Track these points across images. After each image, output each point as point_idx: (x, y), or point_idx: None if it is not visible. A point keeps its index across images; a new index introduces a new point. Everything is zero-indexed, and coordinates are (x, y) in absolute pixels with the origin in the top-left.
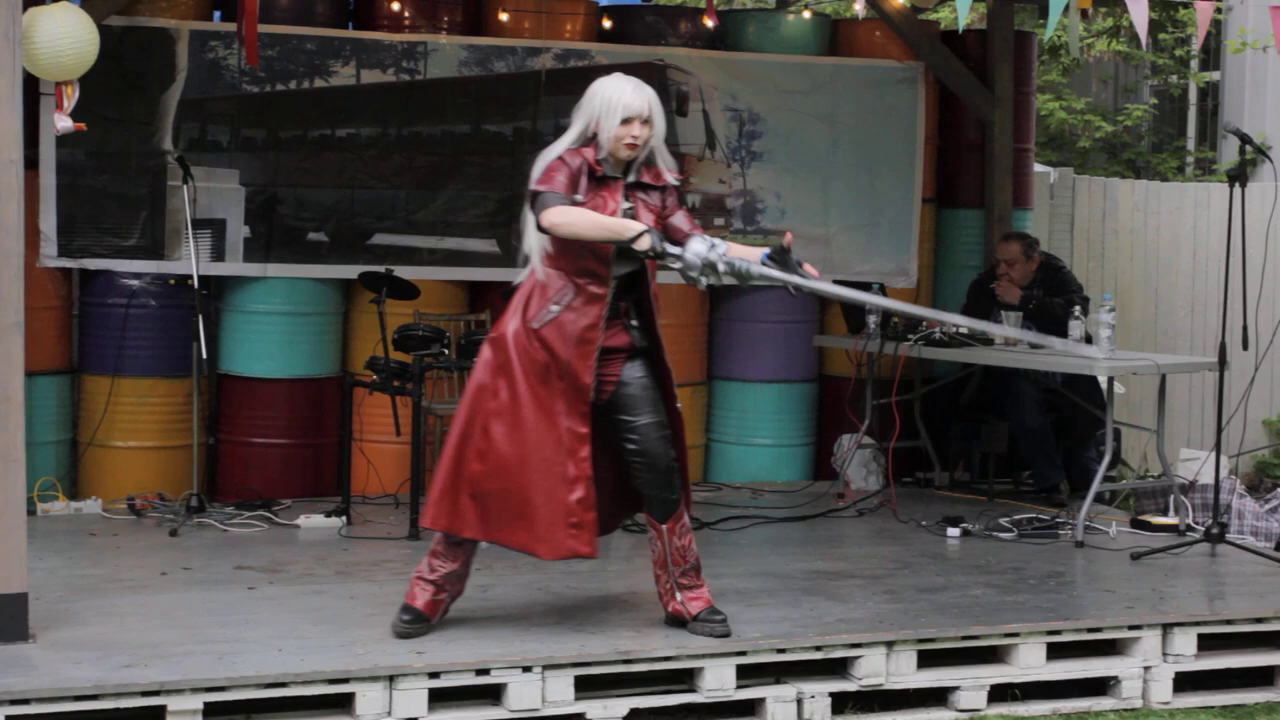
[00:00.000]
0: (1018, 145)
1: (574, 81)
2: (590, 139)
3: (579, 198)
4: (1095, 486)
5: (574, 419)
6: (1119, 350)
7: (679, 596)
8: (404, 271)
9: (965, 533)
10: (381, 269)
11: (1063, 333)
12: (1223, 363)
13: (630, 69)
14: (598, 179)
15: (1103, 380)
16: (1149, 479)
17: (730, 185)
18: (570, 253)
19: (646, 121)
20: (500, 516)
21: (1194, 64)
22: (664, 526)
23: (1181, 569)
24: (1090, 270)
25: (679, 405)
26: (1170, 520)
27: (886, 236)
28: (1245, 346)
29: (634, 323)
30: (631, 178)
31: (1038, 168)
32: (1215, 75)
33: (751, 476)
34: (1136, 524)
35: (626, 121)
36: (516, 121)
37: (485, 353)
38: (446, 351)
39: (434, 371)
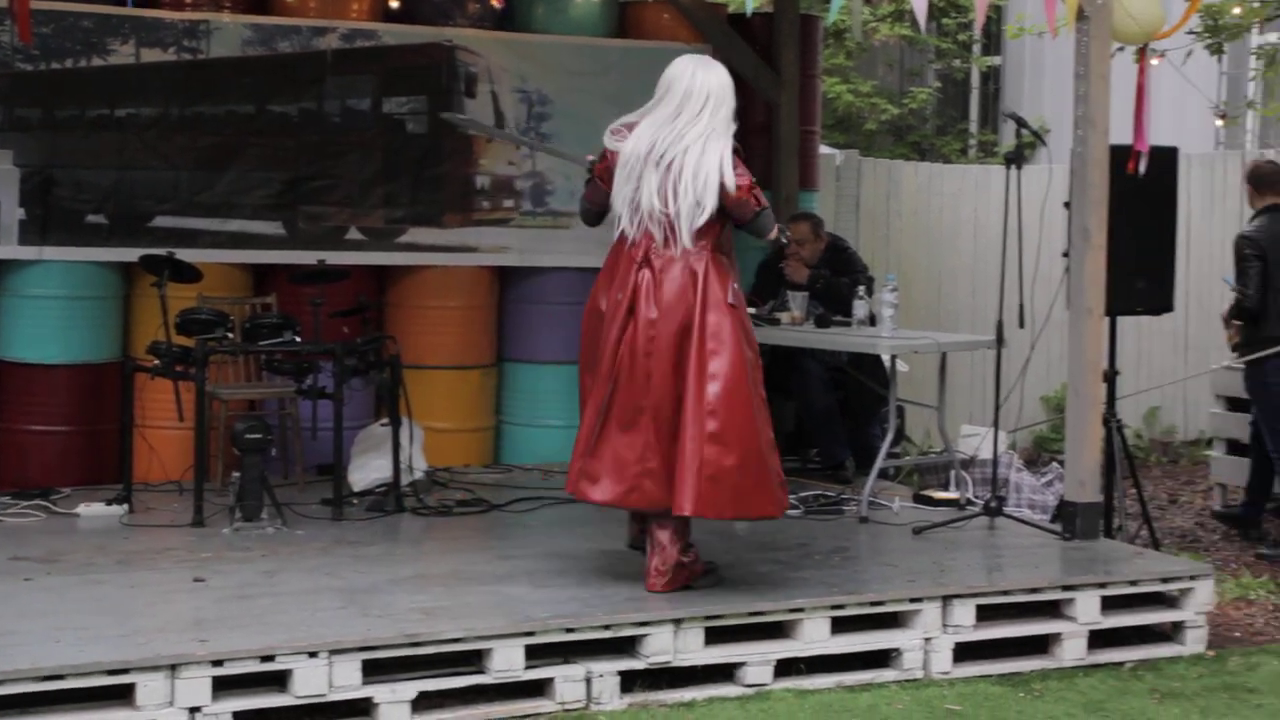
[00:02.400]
0: (804, 127)
1: (361, 62)
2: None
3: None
4: (879, 463)
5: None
6: (902, 329)
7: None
8: (186, 254)
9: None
10: (163, 252)
11: (848, 312)
12: (1000, 340)
13: (418, 50)
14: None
15: (886, 359)
16: (931, 455)
17: (519, 167)
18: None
19: None
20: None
21: (976, 49)
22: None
23: (961, 542)
24: (875, 251)
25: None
26: (951, 495)
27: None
28: (1021, 324)
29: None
30: None
31: (824, 150)
32: (997, 60)
33: (542, 458)
34: (919, 499)
35: None
36: (302, 102)
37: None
38: (231, 335)
39: (218, 356)
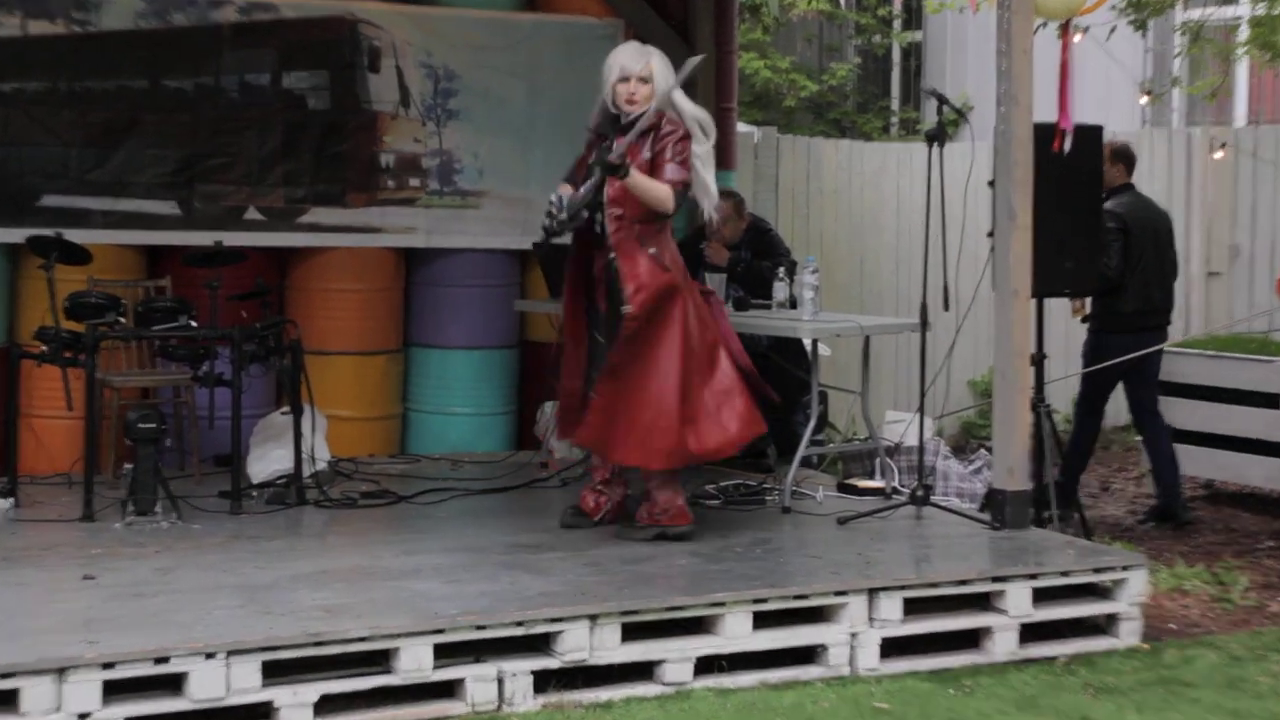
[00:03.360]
0: (720, 104)
1: (259, 36)
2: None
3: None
4: (801, 451)
5: None
6: (824, 312)
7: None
8: (76, 235)
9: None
10: (51, 232)
11: (768, 295)
12: (924, 323)
13: (320, 23)
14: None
15: (807, 343)
16: (855, 442)
17: (426, 145)
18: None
19: (644, 80)
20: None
21: (896, 24)
22: None
23: (888, 533)
24: (795, 230)
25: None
26: (877, 484)
27: None
28: (946, 307)
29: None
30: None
31: (741, 127)
32: (918, 35)
33: (451, 447)
34: (843, 488)
35: (624, 80)
36: (198, 77)
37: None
38: (123, 320)
39: (109, 342)
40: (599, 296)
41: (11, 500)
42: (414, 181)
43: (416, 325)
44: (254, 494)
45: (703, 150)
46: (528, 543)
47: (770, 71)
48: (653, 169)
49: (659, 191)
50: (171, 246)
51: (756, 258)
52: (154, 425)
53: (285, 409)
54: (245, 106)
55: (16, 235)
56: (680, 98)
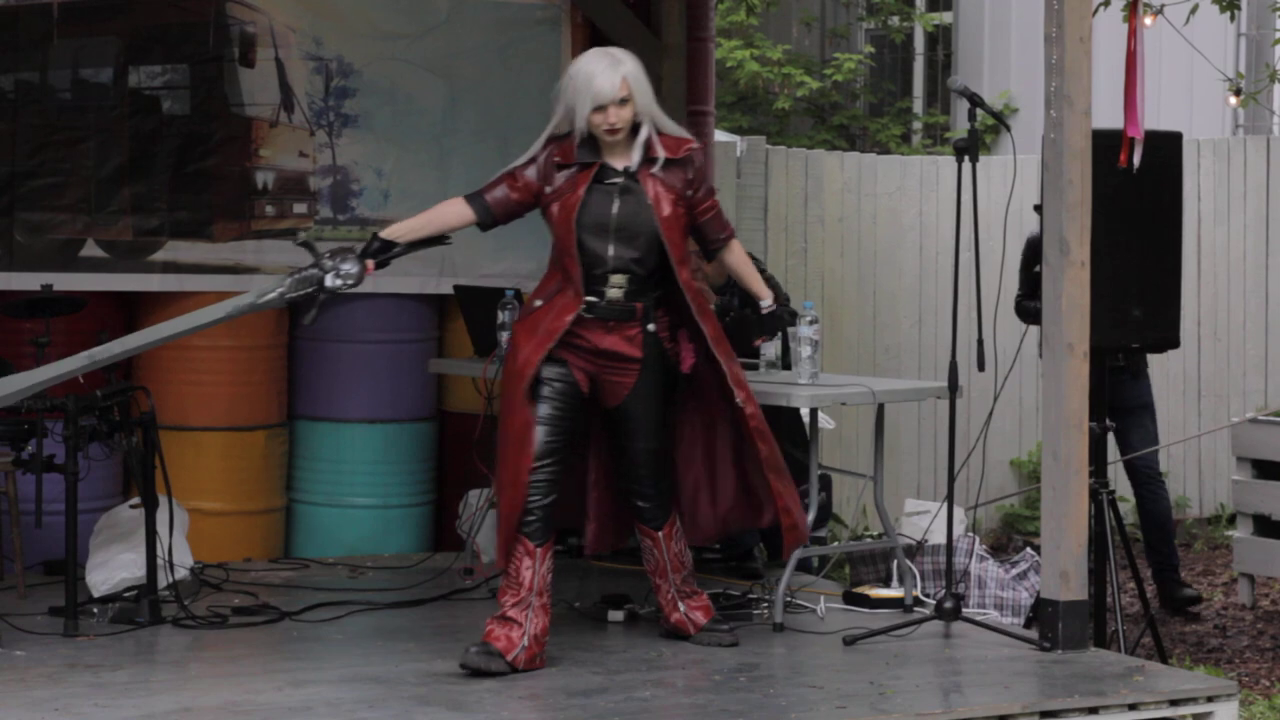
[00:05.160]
0: (693, 107)
1: (100, 18)
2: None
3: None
4: (797, 552)
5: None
6: (826, 374)
7: (682, 607)
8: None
9: (631, 616)
10: None
11: (754, 353)
12: (954, 388)
13: (176, 5)
14: (567, 167)
15: (805, 413)
16: (866, 539)
17: (315, 159)
18: (554, 249)
19: (624, 102)
20: None
21: (920, 3)
22: (659, 533)
23: (909, 655)
24: (790, 269)
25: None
26: (894, 593)
27: (524, 227)
28: (981, 367)
29: (651, 327)
30: (637, 156)
31: (720, 136)
32: (947, 17)
33: (349, 549)
34: (852, 598)
35: (599, 109)
36: (19, 72)
37: None
38: None
39: None
40: (612, 377)
41: None
42: (299, 207)
43: (304, 393)
44: (95, 611)
45: None
46: (448, 671)
47: (757, 64)
48: (697, 210)
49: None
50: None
51: (745, 305)
52: None
53: (135, 501)
54: (81, 110)
55: None
56: (659, 113)
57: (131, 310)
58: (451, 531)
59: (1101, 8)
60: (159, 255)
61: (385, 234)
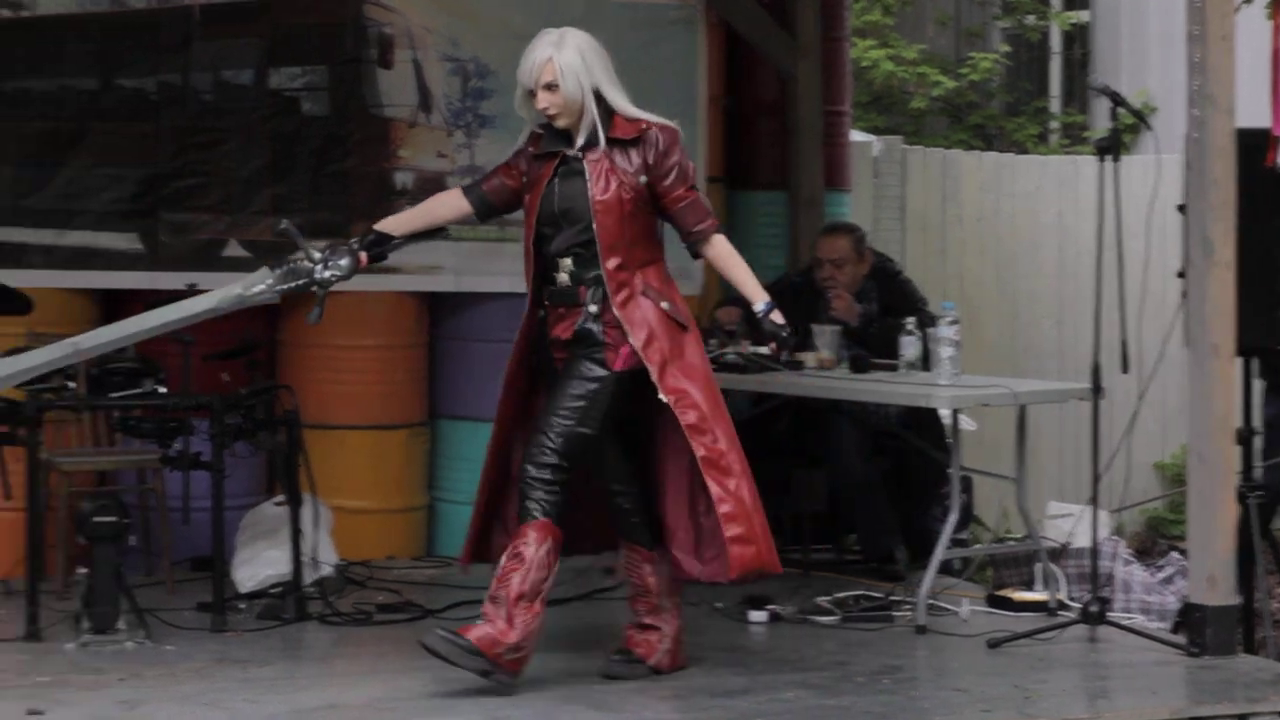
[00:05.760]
0: (829, 108)
1: (240, 21)
2: None
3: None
4: (940, 554)
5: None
6: (966, 375)
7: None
8: (11, 277)
9: (774, 617)
10: None
11: (894, 353)
12: (1097, 389)
13: (314, 6)
14: (539, 156)
15: (945, 415)
16: (1009, 542)
17: (453, 160)
18: None
19: (551, 87)
20: None
21: (1056, 1)
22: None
23: (1053, 659)
24: (928, 269)
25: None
26: (1037, 596)
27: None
28: (1125, 368)
29: (592, 308)
30: (581, 139)
31: (856, 136)
32: (1084, 16)
33: None
34: (995, 601)
35: (530, 94)
36: (162, 75)
37: None
38: (72, 385)
39: (56, 413)
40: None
41: None
42: None
43: (446, 392)
44: (242, 607)
45: None
46: (590, 670)
47: (893, 64)
48: (661, 198)
49: (738, 256)
50: (132, 291)
51: (887, 311)
52: (114, 519)
53: (279, 499)
54: (222, 113)
55: None
56: (621, 100)
57: (272, 310)
58: None
59: (1244, 5)
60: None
61: (380, 226)
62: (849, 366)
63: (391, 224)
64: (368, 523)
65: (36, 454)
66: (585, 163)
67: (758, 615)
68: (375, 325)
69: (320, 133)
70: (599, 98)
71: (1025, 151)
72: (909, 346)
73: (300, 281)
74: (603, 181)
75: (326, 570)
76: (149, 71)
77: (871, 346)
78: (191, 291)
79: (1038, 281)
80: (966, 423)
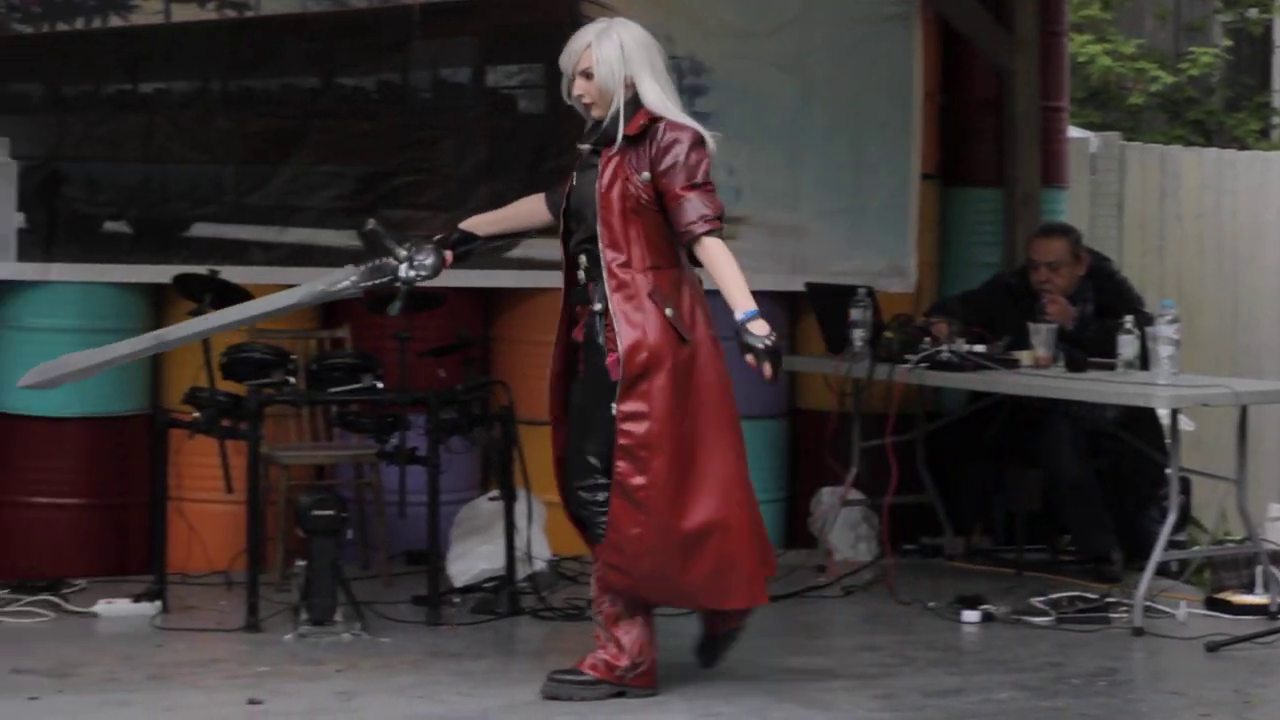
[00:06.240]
0: (1047, 103)
1: (458, 19)
2: None
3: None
4: (1157, 555)
5: None
6: (1185, 374)
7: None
8: (233, 273)
9: (987, 617)
10: (204, 270)
11: (1111, 352)
12: None
13: (532, 4)
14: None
15: (1163, 414)
16: (1228, 544)
17: None
18: None
19: (585, 74)
20: None
21: None
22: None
23: (1273, 663)
24: (1146, 267)
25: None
26: (1257, 599)
27: (876, 225)
28: None
29: (597, 307)
30: (606, 135)
31: (1074, 132)
32: None
33: None
34: (1213, 604)
35: (571, 80)
36: (382, 74)
37: None
38: (292, 381)
39: (276, 408)
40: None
41: (159, 604)
42: None
43: None
44: (456, 601)
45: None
46: (803, 668)
47: (1111, 59)
48: (662, 194)
49: (731, 263)
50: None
51: (1102, 312)
52: (332, 513)
53: (494, 494)
54: (440, 110)
55: (161, 273)
56: (653, 94)
57: (488, 305)
58: (803, 528)
59: None
60: (515, 253)
61: (465, 225)
62: (1065, 366)
63: (477, 223)
64: None
65: (257, 449)
66: (601, 158)
67: (971, 615)
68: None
69: (537, 130)
70: (634, 93)
71: (1246, 147)
72: (1127, 345)
73: (384, 279)
74: (608, 176)
75: (540, 565)
76: (369, 71)
77: (1088, 348)
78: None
79: (1259, 279)
80: (1185, 423)
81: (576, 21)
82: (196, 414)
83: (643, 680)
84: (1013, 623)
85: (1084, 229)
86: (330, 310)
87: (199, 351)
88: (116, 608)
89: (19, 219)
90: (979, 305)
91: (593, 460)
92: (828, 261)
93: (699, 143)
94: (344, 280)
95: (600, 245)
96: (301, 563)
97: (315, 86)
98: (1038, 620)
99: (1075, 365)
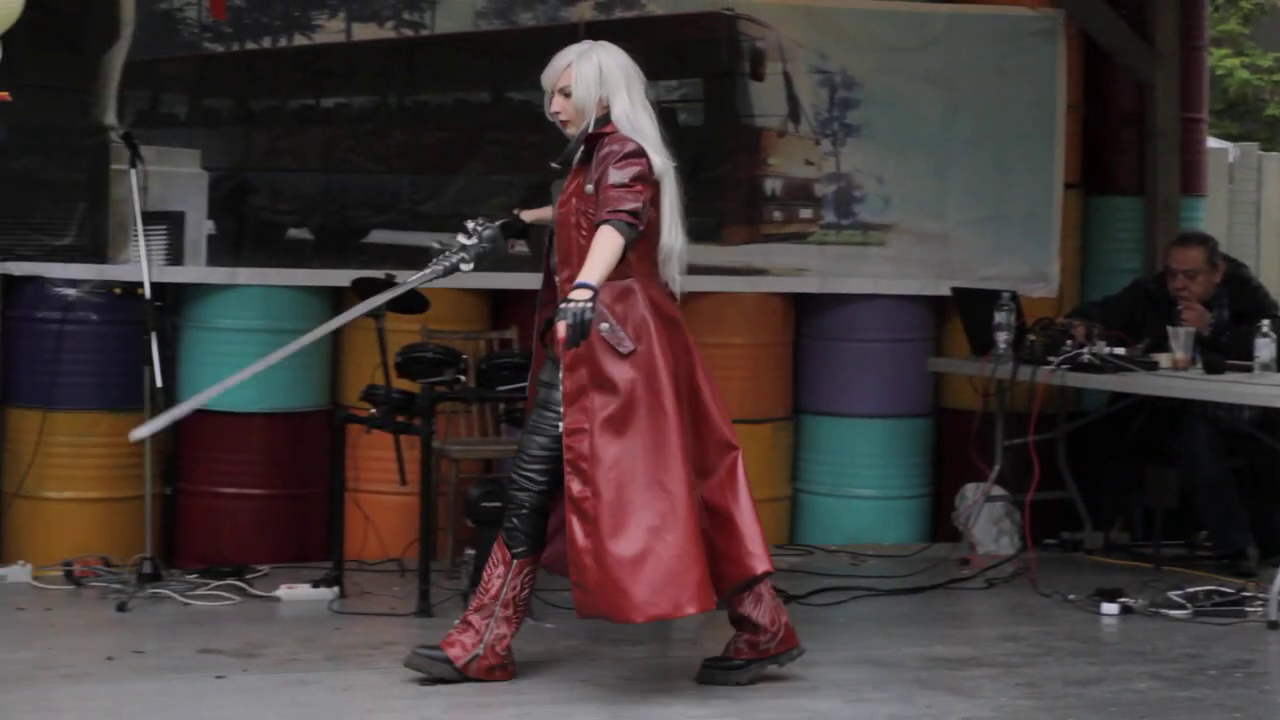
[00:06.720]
0: (1186, 114)
1: (621, 36)
2: None
3: None
4: None
5: None
6: None
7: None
8: (408, 278)
9: (1125, 610)
10: (381, 274)
11: (1248, 355)
12: None
13: (692, 21)
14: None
15: None
16: None
17: (819, 168)
18: None
19: (564, 92)
20: None
21: None
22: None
23: None
24: None
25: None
26: None
27: (1019, 232)
28: None
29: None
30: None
31: (1212, 143)
32: None
33: (851, 538)
34: None
35: (551, 98)
36: None
37: None
38: (463, 379)
39: (447, 404)
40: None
41: (336, 590)
42: (805, 212)
43: (809, 388)
44: None
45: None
46: (947, 656)
47: (1248, 72)
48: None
49: (608, 250)
50: (519, 291)
51: (1237, 318)
52: (499, 504)
53: None
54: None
55: (341, 278)
56: (619, 112)
57: None
58: (947, 523)
59: None
60: None
61: (523, 213)
62: (1204, 368)
63: (528, 214)
64: None
65: (429, 443)
66: (571, 174)
67: (1110, 608)
68: (743, 324)
69: (695, 142)
70: (606, 113)
71: None
72: (1264, 348)
73: (448, 263)
74: (566, 193)
75: None
76: (537, 85)
77: (1225, 352)
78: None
79: None
80: None
81: (734, 39)
82: (373, 410)
83: (785, 643)
84: (1151, 615)
85: (1222, 237)
86: (499, 312)
87: (376, 351)
88: (297, 592)
89: (209, 226)
90: (1119, 309)
91: (525, 463)
92: (973, 267)
93: (636, 153)
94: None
95: (554, 260)
96: (470, 551)
97: (486, 101)
98: (1175, 613)
99: (1213, 367)
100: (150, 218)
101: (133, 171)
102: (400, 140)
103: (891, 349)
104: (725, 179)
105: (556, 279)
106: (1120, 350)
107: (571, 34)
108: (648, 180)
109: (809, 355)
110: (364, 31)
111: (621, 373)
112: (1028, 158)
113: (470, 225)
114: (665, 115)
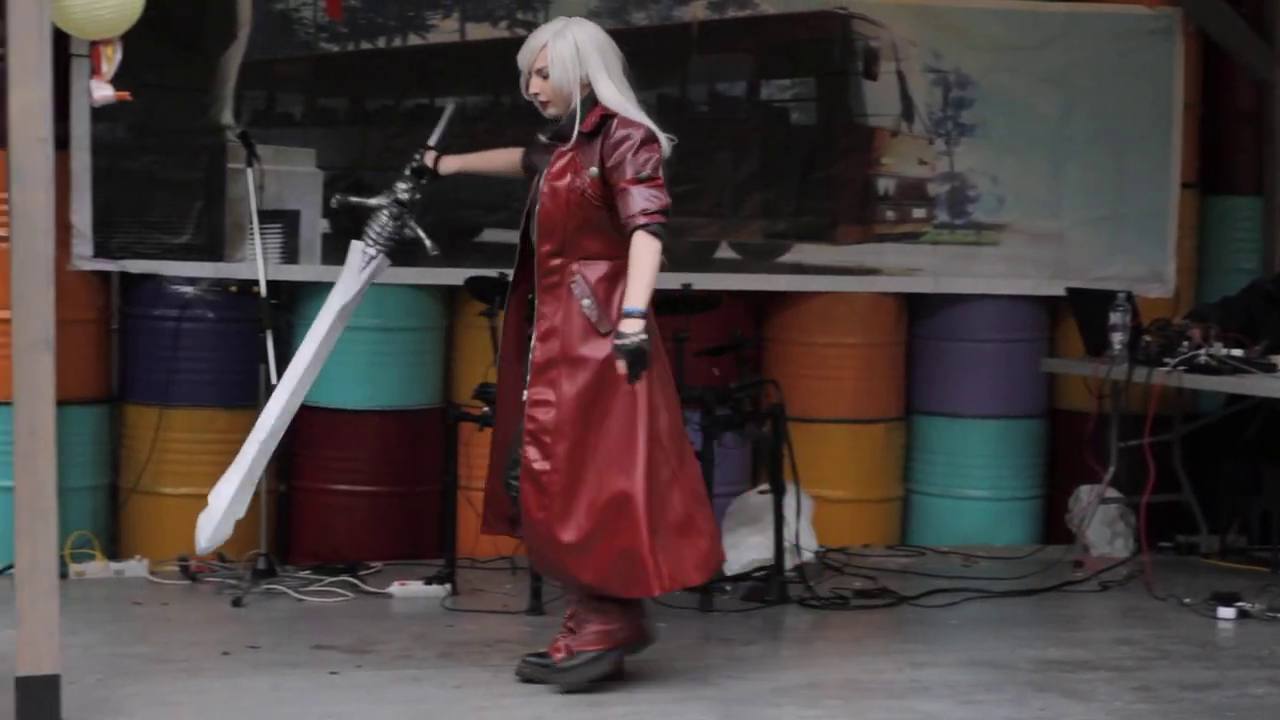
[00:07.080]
0: None
1: (733, 37)
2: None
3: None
4: None
5: None
6: None
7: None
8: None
9: (1242, 614)
10: (493, 273)
11: None
12: None
13: (805, 20)
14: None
15: None
16: None
17: (933, 167)
18: None
19: (540, 73)
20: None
21: None
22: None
23: None
24: None
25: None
26: None
27: (1135, 232)
28: None
29: (531, 297)
30: (563, 131)
31: None
32: None
33: (963, 539)
34: None
35: (528, 79)
36: (661, 87)
37: None
38: None
39: None
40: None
41: (448, 587)
42: (918, 212)
43: (921, 388)
44: (727, 588)
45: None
46: (1061, 659)
47: None
48: (611, 187)
49: (651, 262)
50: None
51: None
52: None
53: (764, 487)
54: (716, 122)
55: (455, 276)
56: (608, 92)
57: (759, 309)
58: (1061, 525)
59: None
60: (786, 257)
61: (434, 160)
62: None
63: (449, 162)
64: (846, 511)
65: None
66: (554, 153)
67: (1226, 612)
68: (856, 324)
69: (808, 141)
70: (590, 91)
71: None
72: None
73: (387, 228)
74: (558, 167)
75: (807, 556)
76: (650, 85)
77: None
78: (686, 291)
79: None
80: None
81: (847, 38)
82: (485, 409)
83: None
84: (1268, 620)
85: None
86: None
87: (488, 350)
88: (409, 589)
89: (324, 225)
90: (1237, 310)
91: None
92: (1088, 267)
93: (649, 139)
94: (365, 265)
95: (536, 233)
96: None
97: None
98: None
99: None
100: (266, 216)
101: (249, 170)
102: (513, 139)
103: (1005, 349)
104: (838, 178)
105: (537, 252)
106: (1238, 351)
107: (685, 34)
108: (662, 165)
109: (922, 355)
110: (478, 31)
111: (596, 350)
112: (1144, 157)
113: (374, 200)
114: (777, 115)
